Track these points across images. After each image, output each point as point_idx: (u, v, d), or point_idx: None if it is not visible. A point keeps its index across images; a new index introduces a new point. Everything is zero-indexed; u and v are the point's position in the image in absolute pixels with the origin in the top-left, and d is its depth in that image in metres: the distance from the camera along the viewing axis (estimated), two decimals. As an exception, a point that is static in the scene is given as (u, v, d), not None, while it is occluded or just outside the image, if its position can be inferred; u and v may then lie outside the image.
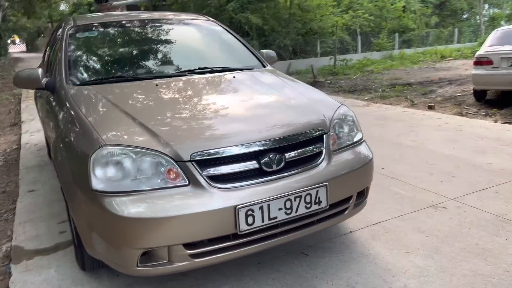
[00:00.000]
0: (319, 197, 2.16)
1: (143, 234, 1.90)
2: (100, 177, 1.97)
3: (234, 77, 2.99)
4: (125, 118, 2.26)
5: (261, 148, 2.11)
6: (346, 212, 2.41)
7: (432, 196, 3.36)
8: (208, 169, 2.02)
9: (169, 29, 3.62)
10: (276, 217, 2.06)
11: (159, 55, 3.28)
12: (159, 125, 2.19)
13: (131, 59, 3.18)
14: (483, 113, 6.98)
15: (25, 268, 2.63)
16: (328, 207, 2.21)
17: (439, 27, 21.57)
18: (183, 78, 2.92)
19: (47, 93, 3.13)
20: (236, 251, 2.05)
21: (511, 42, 7.39)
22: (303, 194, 2.11)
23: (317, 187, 2.15)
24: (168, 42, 3.46)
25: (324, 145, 2.32)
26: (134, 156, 2.00)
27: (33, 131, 6.51)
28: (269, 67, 3.43)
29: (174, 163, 1.99)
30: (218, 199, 1.97)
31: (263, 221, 2.02)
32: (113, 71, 3.02)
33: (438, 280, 2.29)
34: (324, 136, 2.34)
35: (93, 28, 3.36)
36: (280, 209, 2.06)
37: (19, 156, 5.30)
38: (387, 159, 4.33)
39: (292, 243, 2.62)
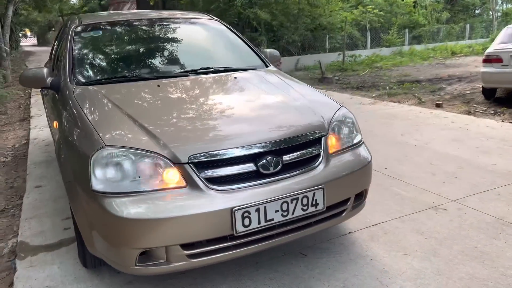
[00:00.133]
0: (315, 200, 2.18)
1: (141, 235, 1.94)
2: (100, 177, 2.01)
3: (235, 77, 3.01)
4: (126, 119, 2.30)
5: (259, 150, 2.13)
6: (344, 214, 2.43)
7: (433, 198, 3.36)
8: (205, 171, 2.05)
9: (172, 29, 3.64)
10: (272, 219, 2.09)
11: (162, 55, 3.31)
12: (159, 127, 2.23)
13: (134, 59, 3.21)
14: (492, 112, 6.92)
15: (29, 263, 2.69)
16: (325, 209, 2.23)
17: (450, 23, 21.29)
18: (185, 78, 2.95)
19: (52, 92, 3.18)
20: (232, 252, 2.09)
21: (522, 40, 7.30)
22: (300, 196, 2.13)
23: (314, 189, 2.17)
24: (171, 42, 3.49)
25: (322, 148, 2.33)
26: (133, 158, 2.04)
27: (42, 126, 6.60)
28: (271, 67, 3.44)
29: (172, 165, 2.03)
30: (215, 201, 2.00)
31: (259, 223, 2.05)
32: (117, 71, 3.07)
33: (434, 283, 2.30)
34: (322, 138, 2.35)
35: (98, 28, 3.40)
36: (277, 211, 2.09)
37: (28, 152, 5.39)
38: (390, 159, 4.33)
39: (291, 243, 2.65)
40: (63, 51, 3.21)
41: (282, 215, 2.11)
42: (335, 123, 2.50)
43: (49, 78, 2.96)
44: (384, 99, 8.24)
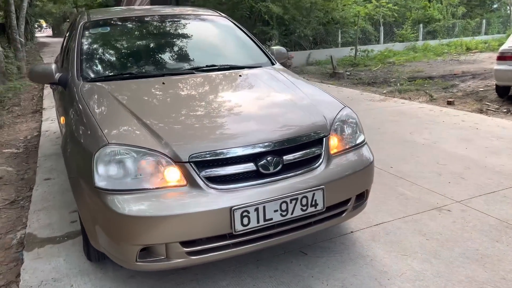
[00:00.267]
0: (315, 200, 2.19)
1: (142, 232, 1.98)
2: (103, 174, 2.06)
3: (240, 76, 3.02)
4: (130, 117, 2.34)
5: (259, 150, 2.15)
6: (344, 214, 2.44)
7: (438, 198, 3.35)
8: (206, 170, 2.08)
9: (179, 26, 3.67)
10: (271, 219, 2.11)
11: (169, 52, 3.34)
12: (162, 125, 2.26)
13: (141, 56, 3.25)
14: (505, 110, 6.82)
15: (36, 255, 2.76)
16: (324, 209, 2.24)
17: (466, 18, 20.91)
18: (190, 76, 2.98)
19: (60, 87, 3.23)
20: (231, 250, 2.12)
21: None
22: (299, 196, 2.15)
23: (314, 190, 2.18)
24: (177, 39, 3.51)
25: (323, 148, 2.34)
26: (135, 156, 2.07)
27: (53, 119, 6.69)
28: (277, 65, 3.44)
29: (173, 164, 2.06)
30: (215, 200, 2.03)
31: (258, 222, 2.08)
32: (123, 68, 3.10)
33: (433, 285, 2.31)
34: (324, 139, 2.36)
35: (106, 24, 3.44)
36: (276, 211, 2.11)
37: (39, 144, 5.49)
38: (396, 158, 4.31)
39: (292, 242, 2.67)
40: (72, 46, 3.26)
41: (281, 215, 2.12)
42: (337, 123, 2.50)
43: (57, 74, 3.01)
44: (395, 96, 8.18)
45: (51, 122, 6.58)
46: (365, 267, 2.49)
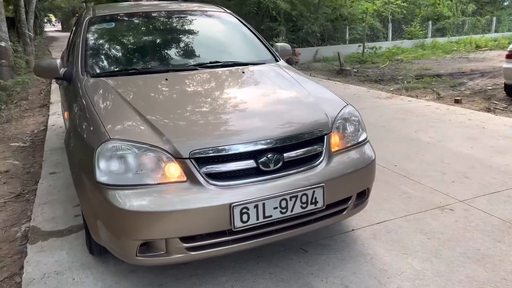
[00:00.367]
0: (315, 198, 2.19)
1: (141, 227, 2.00)
2: (104, 169, 2.07)
3: (243, 72, 3.03)
4: (132, 113, 2.35)
5: (259, 147, 2.15)
6: (345, 212, 2.44)
7: (441, 197, 3.33)
8: (206, 167, 2.08)
9: (184, 22, 3.67)
10: (271, 216, 2.11)
11: (172, 49, 3.35)
12: (163, 121, 2.27)
13: (145, 52, 3.26)
14: (512, 109, 6.75)
15: (40, 248, 2.80)
16: (324, 207, 2.24)
17: (476, 15, 20.68)
18: (193, 72, 2.99)
19: (65, 82, 3.26)
20: (231, 246, 2.13)
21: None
22: (299, 194, 2.15)
23: (314, 187, 2.18)
24: (181, 35, 3.52)
25: (324, 146, 2.34)
26: (137, 151, 2.09)
27: (60, 113, 6.74)
28: (281, 61, 3.44)
29: (174, 160, 2.07)
30: (214, 196, 2.04)
31: (257, 219, 2.08)
32: (127, 64, 3.12)
33: (433, 284, 2.30)
34: (325, 136, 2.36)
35: (111, 20, 3.45)
36: (275, 208, 2.11)
37: (45, 138, 5.54)
38: (401, 156, 4.29)
39: (292, 239, 2.68)
40: (77, 41, 3.28)
41: (281, 212, 2.13)
42: (339, 121, 2.50)
43: (62, 69, 3.04)
44: (402, 94, 8.13)
45: (58, 116, 6.63)
46: (365, 265, 2.49)
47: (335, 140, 2.43)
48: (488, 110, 6.67)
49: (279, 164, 2.18)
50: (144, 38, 3.41)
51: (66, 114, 3.14)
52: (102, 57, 3.15)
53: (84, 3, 38.39)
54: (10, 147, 5.27)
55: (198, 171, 2.07)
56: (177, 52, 3.34)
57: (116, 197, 2.02)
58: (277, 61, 3.43)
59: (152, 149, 2.09)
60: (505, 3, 24.53)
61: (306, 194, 2.17)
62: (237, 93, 2.78)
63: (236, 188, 2.09)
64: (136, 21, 3.55)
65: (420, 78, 9.90)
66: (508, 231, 2.81)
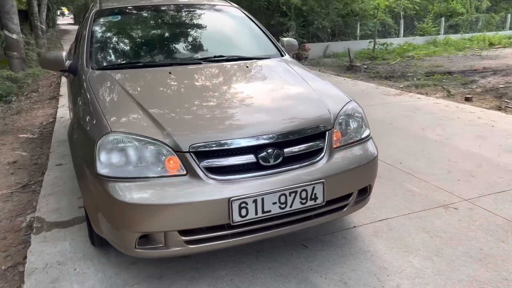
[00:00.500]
0: (315, 193, 2.18)
1: (140, 219, 2.01)
2: (105, 162, 2.09)
3: (247, 67, 3.02)
4: (135, 106, 2.36)
5: (259, 142, 2.15)
6: (346, 209, 2.42)
7: (445, 196, 3.30)
8: (205, 161, 2.09)
9: (190, 16, 3.67)
10: (270, 211, 2.11)
11: (177, 42, 3.36)
12: (165, 115, 2.28)
13: (150, 46, 3.27)
14: (524, 108, 6.65)
15: (43, 239, 2.83)
16: (324, 203, 2.23)
17: (490, 12, 20.34)
18: (197, 66, 2.99)
19: (70, 75, 3.28)
20: (229, 240, 2.13)
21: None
22: (299, 189, 2.15)
23: (314, 183, 2.17)
24: (187, 29, 3.52)
25: (326, 142, 2.33)
26: (137, 144, 2.10)
27: (69, 106, 6.81)
28: (286, 56, 3.42)
29: (174, 153, 2.08)
30: (213, 190, 2.05)
31: (256, 213, 2.08)
32: (131, 57, 3.13)
33: (433, 283, 2.28)
34: (327, 132, 2.34)
35: (117, 13, 3.46)
36: (274, 203, 2.11)
37: (53, 130, 5.60)
38: (407, 154, 4.26)
39: (293, 234, 2.68)
40: (83, 34, 3.30)
41: (280, 207, 2.13)
42: (342, 117, 2.48)
43: (67, 61, 3.06)
44: (411, 91, 8.04)
45: (67, 109, 6.67)
46: (365, 262, 2.48)
47: (337, 136, 2.41)
48: (499, 108, 6.57)
49: (279, 159, 2.17)
50: (149, 31, 3.41)
51: (70, 106, 3.16)
52: (108, 50, 3.17)
53: (96, -4, 38.60)
54: (19, 139, 5.34)
55: (198, 165, 2.07)
56: (181, 46, 3.35)
57: (116, 189, 2.03)
58: (282, 56, 3.41)
59: (153, 142, 2.10)
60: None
61: (305, 190, 2.16)
62: (239, 88, 2.77)
63: (236, 182, 2.09)
64: (142, 14, 3.56)
65: (431, 75, 9.77)
66: (512, 231, 2.78)
